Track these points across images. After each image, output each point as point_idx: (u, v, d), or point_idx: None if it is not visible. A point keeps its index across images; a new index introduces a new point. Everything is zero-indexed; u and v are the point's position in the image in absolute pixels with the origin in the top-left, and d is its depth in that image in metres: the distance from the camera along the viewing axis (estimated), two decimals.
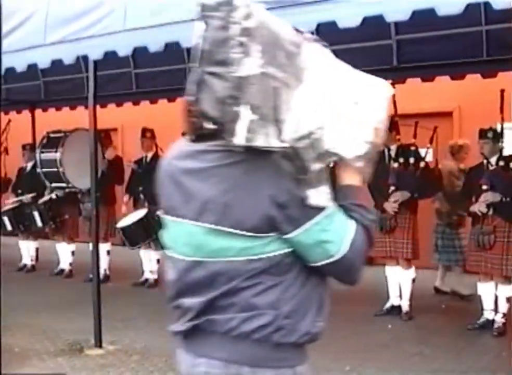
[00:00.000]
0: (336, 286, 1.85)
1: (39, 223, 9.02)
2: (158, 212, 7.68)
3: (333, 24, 3.79)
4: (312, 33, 5.55)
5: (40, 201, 8.98)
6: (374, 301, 7.11)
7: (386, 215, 6.48)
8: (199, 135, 1.62)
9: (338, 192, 1.75)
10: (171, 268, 1.85)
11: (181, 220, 1.77)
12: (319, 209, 1.68)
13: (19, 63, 5.47)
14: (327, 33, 6.60)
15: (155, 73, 9.10)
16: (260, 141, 1.57)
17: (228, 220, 1.68)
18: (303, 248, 1.71)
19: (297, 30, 1.68)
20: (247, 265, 1.69)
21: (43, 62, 5.28)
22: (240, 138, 1.54)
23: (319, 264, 1.72)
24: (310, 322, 1.76)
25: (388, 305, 6.73)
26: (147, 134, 8.35)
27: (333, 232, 1.69)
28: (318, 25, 3.85)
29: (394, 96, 6.65)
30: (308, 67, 1.64)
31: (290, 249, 1.71)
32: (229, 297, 1.71)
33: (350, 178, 1.76)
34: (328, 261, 1.71)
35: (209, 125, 1.56)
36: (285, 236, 1.69)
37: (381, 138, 1.76)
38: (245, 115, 1.53)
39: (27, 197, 9.24)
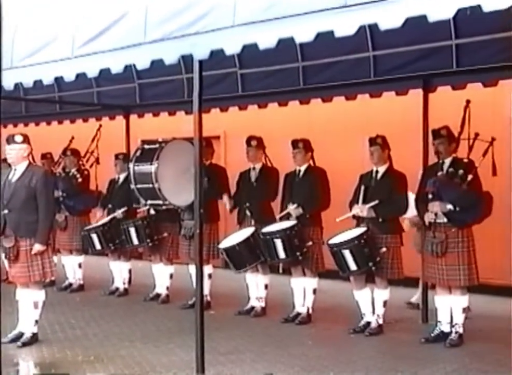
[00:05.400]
0: None
1: (135, 241, 9.21)
2: (264, 230, 7.82)
3: (375, 26, 4.04)
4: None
5: (139, 210, 9.24)
6: None
7: None
8: None
9: None
10: None
11: None
12: None
13: (115, 64, 5.63)
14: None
15: (264, 73, 9.21)
16: None
17: None
18: None
19: None
20: None
21: (142, 62, 5.41)
22: None
23: None
24: None
25: None
26: (252, 143, 8.39)
27: None
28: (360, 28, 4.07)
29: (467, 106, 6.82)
30: None
31: None
32: None
33: None
34: None
35: None
36: None
37: None
38: None
39: (118, 213, 9.50)
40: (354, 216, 7.49)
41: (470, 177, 6.71)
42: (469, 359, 6.51)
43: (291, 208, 7.79)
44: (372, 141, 7.45)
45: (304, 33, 4.41)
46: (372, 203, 7.24)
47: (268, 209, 8.31)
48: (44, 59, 6.03)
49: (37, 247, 6.77)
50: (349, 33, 4.19)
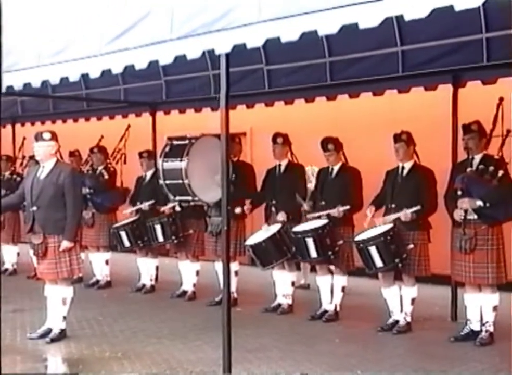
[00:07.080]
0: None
1: (161, 238, 9.31)
2: (295, 229, 7.80)
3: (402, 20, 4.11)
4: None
5: (163, 209, 9.27)
6: None
7: None
8: None
9: None
10: None
11: None
12: None
13: (139, 60, 5.62)
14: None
15: (290, 69, 9.19)
16: None
17: None
18: None
19: None
20: None
21: (165, 58, 5.40)
22: None
23: None
24: None
25: None
26: (278, 140, 8.36)
27: None
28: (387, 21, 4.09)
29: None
30: None
31: None
32: None
33: None
34: None
35: None
36: None
37: None
38: None
39: (145, 205, 9.60)
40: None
41: (500, 173, 6.65)
42: (499, 358, 6.43)
43: (340, 209, 7.70)
44: (397, 138, 7.38)
45: (327, 26, 4.37)
46: (415, 209, 7.13)
47: (295, 206, 8.27)
48: (71, 56, 6.06)
49: (65, 244, 6.83)
50: (374, 24, 4.15)
